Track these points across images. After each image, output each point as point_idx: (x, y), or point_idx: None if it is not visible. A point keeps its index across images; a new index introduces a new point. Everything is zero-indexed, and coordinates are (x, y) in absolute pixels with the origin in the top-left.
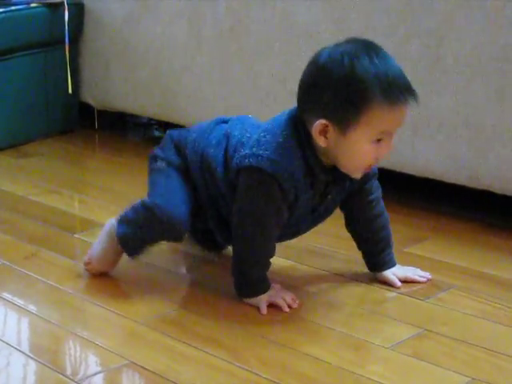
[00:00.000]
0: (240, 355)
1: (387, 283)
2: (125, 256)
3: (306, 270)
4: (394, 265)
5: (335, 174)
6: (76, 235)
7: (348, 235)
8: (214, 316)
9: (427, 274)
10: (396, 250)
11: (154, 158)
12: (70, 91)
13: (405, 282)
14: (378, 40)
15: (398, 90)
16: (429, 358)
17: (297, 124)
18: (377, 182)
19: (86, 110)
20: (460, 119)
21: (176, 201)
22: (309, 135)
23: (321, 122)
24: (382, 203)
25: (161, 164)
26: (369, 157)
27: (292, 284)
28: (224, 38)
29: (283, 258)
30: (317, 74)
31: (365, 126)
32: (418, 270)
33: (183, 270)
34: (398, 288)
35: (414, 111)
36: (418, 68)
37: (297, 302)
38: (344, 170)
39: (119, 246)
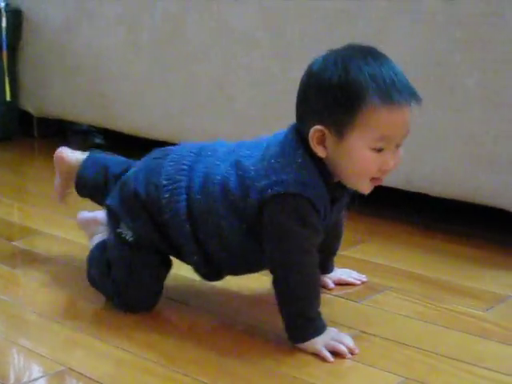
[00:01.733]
0: (176, 359)
1: (321, 285)
2: (60, 268)
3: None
4: (331, 270)
5: (343, 189)
6: (15, 243)
7: None
8: (150, 321)
9: (362, 277)
10: None
11: (116, 219)
12: (8, 98)
13: (339, 284)
14: (313, 45)
15: (395, 90)
16: (363, 359)
17: (303, 141)
18: None
19: (25, 117)
20: None
21: (144, 295)
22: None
23: (316, 128)
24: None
25: (127, 234)
26: (370, 165)
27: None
28: (162, 44)
29: None
30: (310, 81)
31: (361, 129)
32: (354, 272)
33: None
34: (330, 290)
35: None
36: None
37: (357, 348)
38: (349, 183)
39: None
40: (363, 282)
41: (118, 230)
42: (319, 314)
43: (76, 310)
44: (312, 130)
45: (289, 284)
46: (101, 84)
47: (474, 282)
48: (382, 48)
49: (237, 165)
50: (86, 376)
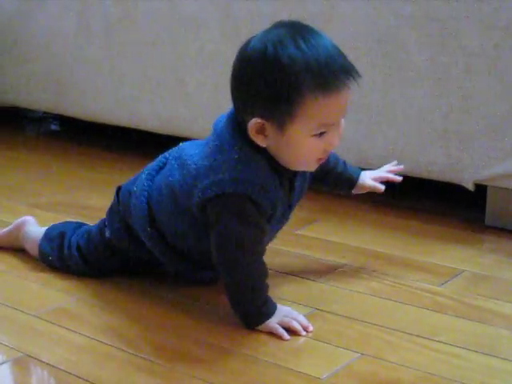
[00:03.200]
0: (132, 342)
1: (371, 190)
2: (17, 256)
3: None
4: (359, 171)
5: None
6: None
7: None
8: (110, 307)
9: (399, 166)
10: (287, 232)
11: (104, 221)
12: None
13: (382, 182)
14: (263, 26)
15: (331, 75)
16: (319, 336)
17: (241, 130)
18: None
19: None
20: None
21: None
22: None
23: (255, 120)
24: (335, 156)
25: (107, 231)
26: (314, 151)
27: None
28: (113, 30)
29: None
30: (242, 68)
31: (301, 120)
32: (387, 165)
33: None
34: (383, 192)
35: None
36: None
37: (311, 325)
38: (295, 168)
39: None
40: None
41: (103, 227)
42: (266, 298)
43: (34, 297)
44: (251, 123)
45: (233, 281)
46: (55, 70)
47: (428, 257)
48: (331, 26)
49: (182, 165)
50: (44, 362)
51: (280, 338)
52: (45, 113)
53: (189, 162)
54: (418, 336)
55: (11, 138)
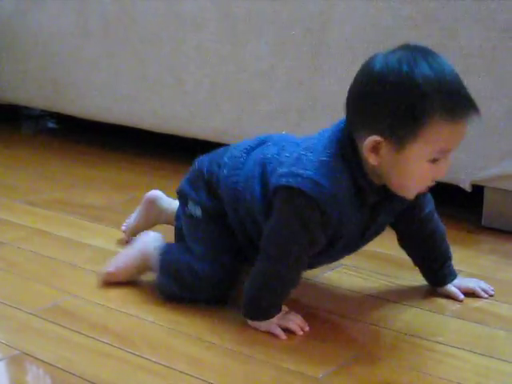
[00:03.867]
0: (130, 341)
1: (450, 297)
2: (14, 253)
3: None
4: (455, 277)
5: (385, 193)
6: None
7: None
8: (104, 304)
9: (490, 288)
10: None
11: (185, 198)
12: None
13: (466, 294)
14: (262, 25)
15: (461, 102)
16: (316, 335)
17: (343, 140)
18: (429, 195)
19: None
20: (343, 102)
21: (224, 266)
22: (357, 152)
23: (374, 138)
24: (436, 216)
25: (195, 210)
26: (425, 177)
27: None
28: (111, 29)
29: None
30: (370, 83)
31: (423, 143)
32: (482, 282)
33: (76, 261)
34: (461, 301)
35: (299, 95)
36: (302, 52)
37: (307, 325)
38: (396, 191)
39: (158, 292)
40: (491, 296)
41: (188, 211)
42: (280, 304)
43: (31, 295)
44: (369, 140)
45: (266, 270)
46: (52, 69)
47: None
48: (330, 26)
49: (279, 150)
50: (41, 360)
51: (277, 337)
52: (42, 111)
53: (286, 149)
54: (415, 336)
55: (9, 135)
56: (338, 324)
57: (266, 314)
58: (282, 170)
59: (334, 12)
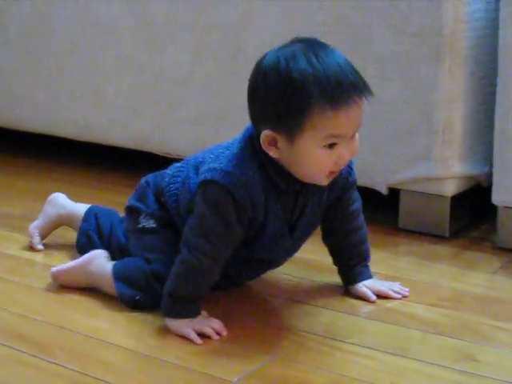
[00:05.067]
0: (46, 348)
1: (361, 297)
2: None
3: None
4: (368, 277)
5: (306, 184)
6: None
7: None
8: (19, 311)
9: (404, 290)
10: None
11: (136, 213)
12: None
13: (378, 296)
14: (179, 32)
15: (340, 89)
16: (231, 339)
17: (252, 136)
18: (357, 192)
19: None
20: None
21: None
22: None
23: (266, 133)
24: (362, 217)
25: (148, 222)
26: (325, 163)
27: None
28: (30, 36)
29: None
30: (256, 82)
31: (310, 132)
32: (395, 284)
33: None
34: (373, 302)
35: (217, 101)
36: (220, 59)
37: (225, 329)
38: (306, 180)
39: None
40: (404, 296)
41: (140, 226)
42: (197, 301)
43: None
44: (262, 135)
45: (183, 262)
46: None
47: None
48: (246, 33)
49: (207, 152)
50: None
51: (192, 342)
52: None
53: (211, 151)
54: (329, 338)
55: None
56: (254, 328)
57: (182, 310)
58: (204, 168)
59: (250, 18)
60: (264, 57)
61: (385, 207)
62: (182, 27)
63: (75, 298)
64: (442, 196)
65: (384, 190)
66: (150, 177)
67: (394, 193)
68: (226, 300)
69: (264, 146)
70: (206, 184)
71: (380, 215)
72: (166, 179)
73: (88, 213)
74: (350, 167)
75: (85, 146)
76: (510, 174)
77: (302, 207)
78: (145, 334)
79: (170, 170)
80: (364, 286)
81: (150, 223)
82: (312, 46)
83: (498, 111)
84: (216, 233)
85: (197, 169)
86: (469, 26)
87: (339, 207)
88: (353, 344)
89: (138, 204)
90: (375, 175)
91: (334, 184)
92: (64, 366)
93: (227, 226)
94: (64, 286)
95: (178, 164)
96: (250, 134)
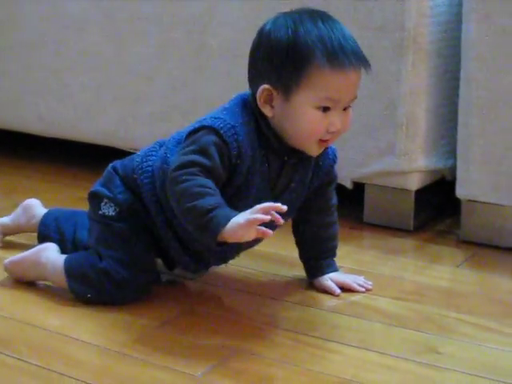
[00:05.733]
0: (9, 344)
1: (326, 291)
2: None
3: None
4: (335, 270)
5: (294, 154)
6: None
7: None
8: None
9: (368, 284)
10: None
11: (98, 198)
12: None
13: (342, 288)
14: (145, 28)
15: (341, 52)
16: (195, 333)
17: (247, 97)
18: (334, 191)
19: None
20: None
21: (137, 267)
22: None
23: (264, 87)
24: (336, 214)
25: (108, 210)
26: (316, 125)
27: None
28: None
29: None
30: (260, 42)
31: (306, 89)
32: (360, 277)
33: None
34: (337, 296)
35: (182, 96)
36: (184, 54)
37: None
38: (297, 144)
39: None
40: (368, 290)
41: (100, 212)
42: (219, 201)
43: None
44: (260, 89)
45: (177, 193)
46: None
47: None
48: (210, 28)
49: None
50: None
51: (263, 234)
52: None
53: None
54: (293, 331)
55: None
56: (218, 322)
57: (228, 213)
58: (192, 125)
59: (214, 13)
60: (265, 23)
61: (350, 201)
62: (147, 23)
63: (39, 293)
64: (406, 190)
65: (349, 185)
66: (117, 162)
67: (359, 187)
68: (189, 295)
69: (260, 103)
70: (193, 131)
71: (345, 209)
72: (138, 159)
73: (46, 216)
74: (333, 160)
75: (50, 141)
76: (474, 167)
77: (287, 181)
78: (109, 330)
79: (142, 152)
80: (329, 280)
81: (110, 211)
82: (320, 14)
83: (462, 105)
84: (201, 167)
85: (179, 142)
86: (432, 20)
87: (320, 198)
88: (317, 337)
89: (102, 189)
90: (340, 169)
91: (319, 167)
92: (28, 362)
93: (212, 167)
94: (17, 279)
95: (149, 146)
96: (241, 98)
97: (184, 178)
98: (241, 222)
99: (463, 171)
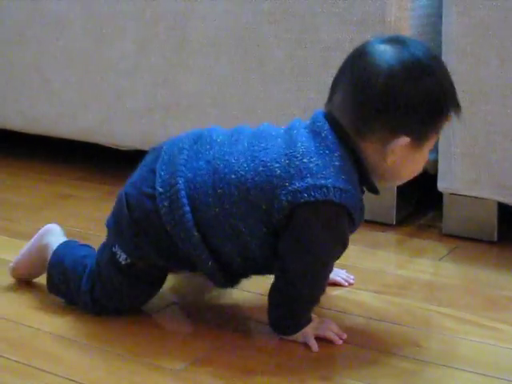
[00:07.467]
0: None
1: None
2: None
3: None
4: None
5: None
6: None
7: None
8: None
9: (350, 278)
10: None
11: (111, 238)
12: None
13: None
14: (126, 23)
15: (456, 102)
16: (176, 328)
17: (344, 141)
18: None
19: None
20: (208, 98)
21: (124, 307)
22: (360, 155)
23: (405, 140)
24: None
25: (121, 255)
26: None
27: None
28: None
29: None
30: (382, 93)
31: (435, 137)
32: (342, 271)
33: None
34: None
35: (164, 92)
36: (166, 50)
37: (344, 333)
38: (390, 183)
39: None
40: (350, 284)
41: (114, 250)
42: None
43: None
44: (399, 140)
45: (297, 291)
46: None
47: None
48: (191, 24)
49: (254, 160)
50: None
51: (312, 349)
52: None
53: (266, 159)
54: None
55: None
56: (199, 317)
57: (300, 326)
58: (294, 185)
59: (195, 9)
60: (379, 55)
61: None
62: (128, 18)
63: (18, 290)
64: None
65: None
66: (131, 199)
67: None
68: (172, 289)
69: (391, 152)
70: (316, 205)
71: None
72: (166, 203)
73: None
74: None
75: (32, 138)
76: (456, 161)
77: None
78: (90, 325)
79: (162, 187)
80: None
81: (122, 257)
82: (434, 56)
83: None
84: (334, 256)
85: (243, 190)
86: (413, 13)
87: None
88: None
89: (114, 234)
90: None
91: None
92: (7, 358)
93: (344, 244)
94: (24, 278)
95: (164, 174)
96: (340, 139)
97: (321, 270)
98: (307, 341)
99: (445, 165)
